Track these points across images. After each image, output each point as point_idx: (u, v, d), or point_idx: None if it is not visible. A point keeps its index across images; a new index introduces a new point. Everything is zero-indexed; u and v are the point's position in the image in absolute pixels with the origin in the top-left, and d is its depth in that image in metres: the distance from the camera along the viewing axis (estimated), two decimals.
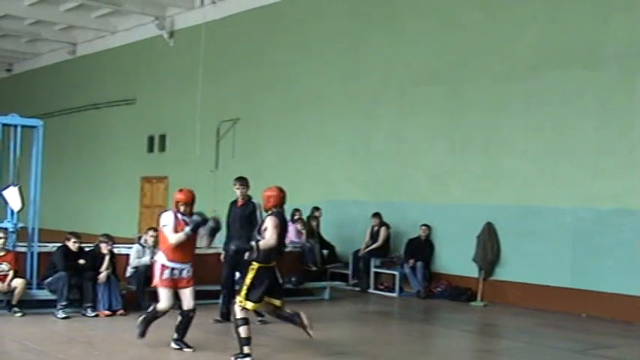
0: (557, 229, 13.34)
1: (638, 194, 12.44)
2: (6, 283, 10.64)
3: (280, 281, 8.39)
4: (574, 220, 13.17)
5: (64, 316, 10.55)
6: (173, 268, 8.62)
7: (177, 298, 8.72)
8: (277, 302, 8.36)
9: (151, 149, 22.84)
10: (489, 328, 12.45)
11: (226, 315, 10.48)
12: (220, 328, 10.23)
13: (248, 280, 8.14)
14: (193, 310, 8.70)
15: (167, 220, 8.69)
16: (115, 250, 11.54)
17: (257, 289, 8.12)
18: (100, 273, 11.02)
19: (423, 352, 9.92)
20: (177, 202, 8.86)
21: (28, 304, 10.83)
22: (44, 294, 10.95)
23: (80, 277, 10.98)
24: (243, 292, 8.11)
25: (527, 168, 13.87)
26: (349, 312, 12.95)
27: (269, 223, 8.22)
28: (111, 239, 11.49)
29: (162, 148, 22.47)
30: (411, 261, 14.78)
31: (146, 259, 11.74)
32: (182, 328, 8.75)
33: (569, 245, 13.17)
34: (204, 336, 9.40)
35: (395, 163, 16.04)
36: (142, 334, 8.80)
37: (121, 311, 11.03)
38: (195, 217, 8.75)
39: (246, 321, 8.10)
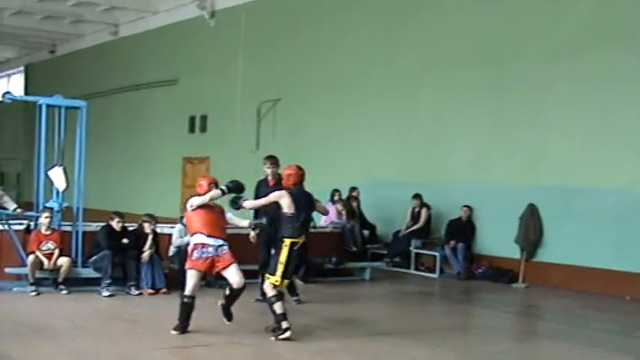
0: (601, 210, 13.16)
1: None
2: (52, 262, 10.84)
3: (305, 258, 8.46)
4: (617, 202, 12.99)
5: (108, 294, 10.74)
6: (204, 245, 8.54)
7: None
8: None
9: (192, 130, 22.99)
10: (531, 309, 12.37)
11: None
12: (261, 307, 10.29)
13: (283, 259, 8.19)
14: (244, 288, 8.61)
15: (192, 200, 8.78)
16: (158, 230, 11.67)
17: (290, 265, 8.20)
18: (143, 252, 11.16)
19: (464, 332, 9.90)
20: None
21: (73, 282, 11.05)
22: (89, 272, 11.16)
23: (124, 255, 11.15)
24: (280, 271, 8.14)
25: (571, 148, 13.69)
26: (389, 292, 12.97)
27: (271, 194, 8.47)
28: (154, 219, 11.62)
29: (204, 129, 22.61)
30: (452, 242, 14.73)
31: (188, 239, 11.88)
32: (230, 297, 8.76)
33: (613, 227, 13.01)
34: (246, 315, 9.48)
35: (436, 144, 15.94)
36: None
37: (164, 290, 11.17)
38: (229, 183, 8.82)
39: (280, 297, 8.18)
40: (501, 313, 11.44)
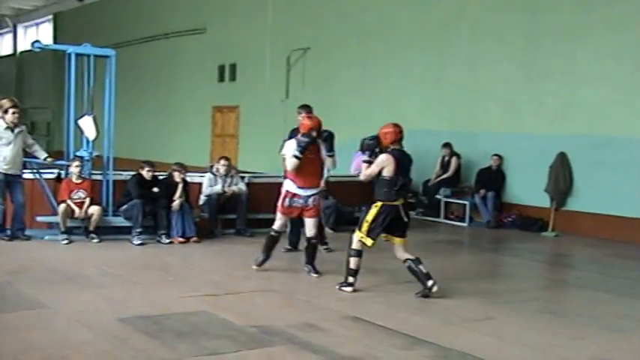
0: (631, 159, 13.04)
1: None
2: (83, 210, 10.97)
3: (405, 220, 8.22)
4: None
5: (139, 242, 10.87)
6: (295, 195, 8.83)
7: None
8: (396, 240, 8.23)
9: (221, 79, 22.96)
10: (560, 258, 12.35)
11: (295, 244, 10.60)
12: (292, 257, 10.40)
13: (370, 217, 8.12)
14: (314, 238, 9.04)
15: (288, 146, 8.97)
16: (188, 179, 11.74)
17: (378, 226, 8.09)
18: (173, 201, 11.25)
19: (493, 280, 9.91)
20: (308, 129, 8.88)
21: (104, 231, 11.18)
22: (120, 221, 11.28)
23: (154, 204, 11.25)
24: (365, 228, 8.10)
25: (601, 98, 13.51)
26: (418, 241, 12.88)
27: (376, 160, 8.22)
28: (184, 168, 11.68)
29: (233, 78, 22.57)
30: (482, 191, 14.68)
31: (218, 188, 11.98)
32: (307, 254, 9.11)
33: None
34: (277, 264, 9.57)
35: (467, 93, 15.79)
36: (263, 262, 9.17)
37: (195, 238, 11.28)
38: (302, 138, 8.82)
39: (359, 254, 8.19)
40: (530, 262, 11.43)
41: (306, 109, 10.46)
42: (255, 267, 9.20)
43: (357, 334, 6.67)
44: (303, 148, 8.70)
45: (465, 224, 14.76)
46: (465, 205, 14.96)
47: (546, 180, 14.01)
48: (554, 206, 13.98)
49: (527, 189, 14.63)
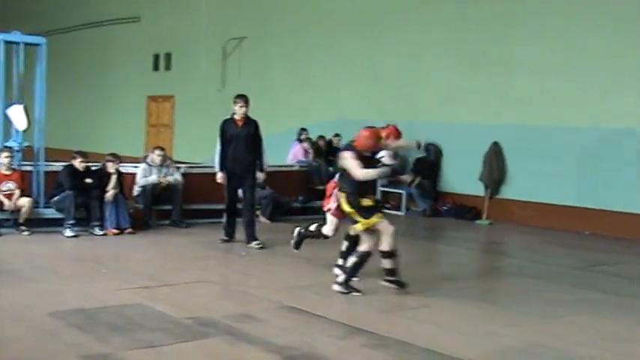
0: (563, 148, 13.33)
1: None
2: (12, 202, 10.68)
3: None
4: (579, 140, 13.15)
5: (71, 234, 10.64)
6: None
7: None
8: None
9: (156, 68, 22.66)
10: (494, 245, 12.53)
11: (231, 234, 10.53)
12: (228, 247, 10.33)
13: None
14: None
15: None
16: (122, 169, 11.55)
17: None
18: (106, 192, 11.04)
19: (429, 269, 10.00)
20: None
21: (35, 223, 10.89)
22: (51, 213, 11.02)
23: (87, 196, 11.01)
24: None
25: (535, 87, 13.76)
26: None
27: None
28: (117, 158, 11.48)
29: (168, 67, 22.30)
30: (418, 180, 14.80)
31: (153, 178, 11.82)
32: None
33: (575, 164, 13.18)
34: (214, 254, 9.47)
35: (403, 83, 15.90)
36: (297, 246, 8.86)
37: (129, 230, 11.10)
38: (394, 162, 8.59)
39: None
40: (465, 250, 11.57)
41: (243, 99, 10.35)
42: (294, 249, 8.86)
43: (295, 324, 6.64)
44: (391, 173, 8.47)
45: (401, 213, 14.87)
46: (401, 194, 15.06)
47: (480, 169, 14.20)
48: (488, 195, 14.20)
49: (462, 178, 14.81)
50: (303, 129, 15.45)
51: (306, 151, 15.05)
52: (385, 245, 7.72)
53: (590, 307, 7.75)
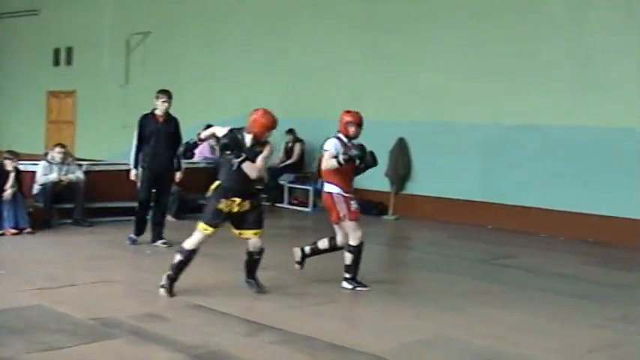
0: (468, 144, 13.60)
1: (543, 111, 12.76)
2: None
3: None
4: (483, 136, 13.44)
5: None
6: (348, 198, 7.96)
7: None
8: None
9: (57, 62, 22.00)
10: (401, 240, 12.69)
11: (141, 232, 10.23)
12: (132, 246, 10.12)
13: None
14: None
15: (329, 145, 8.02)
16: (21, 167, 11.16)
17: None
18: (4, 191, 10.65)
19: (336, 264, 10.00)
20: (345, 124, 8.15)
21: None
22: None
23: None
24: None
25: (439, 84, 13.99)
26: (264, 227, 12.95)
27: None
28: (16, 155, 11.08)
29: (69, 62, 21.68)
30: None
31: (53, 176, 11.48)
32: (350, 265, 8.04)
33: (478, 160, 13.47)
34: (119, 253, 9.26)
35: (310, 78, 15.92)
36: (301, 265, 8.53)
37: (28, 229, 10.72)
38: (353, 151, 7.97)
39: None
40: (372, 245, 11.55)
41: (166, 94, 10.02)
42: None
43: (201, 322, 6.55)
44: (349, 159, 7.91)
45: (308, 209, 14.89)
46: (308, 190, 15.09)
47: (386, 164, 14.35)
48: (394, 190, 14.36)
49: (368, 173, 14.80)
50: (209, 125, 15.28)
51: (212, 148, 14.89)
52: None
53: (494, 299, 7.93)
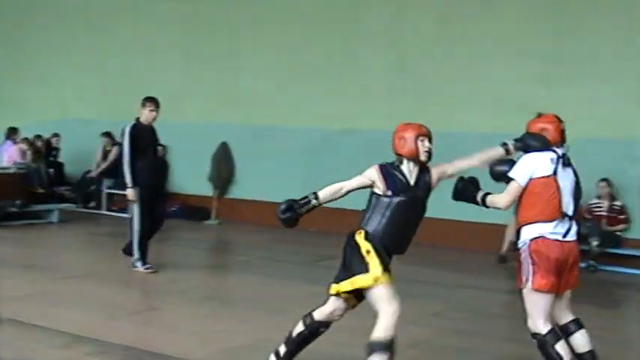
0: (290, 148, 13.70)
1: (362, 115, 13.06)
2: None
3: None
4: (305, 140, 13.60)
5: None
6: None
7: None
8: None
9: None
10: (224, 245, 12.59)
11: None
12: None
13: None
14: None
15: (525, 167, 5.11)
16: None
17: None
18: None
19: (159, 270, 9.77)
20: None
21: None
22: None
23: None
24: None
25: (260, 88, 14.03)
26: (77, 234, 12.47)
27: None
28: None
29: None
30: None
31: None
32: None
33: (300, 164, 13.60)
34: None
35: (131, 81, 15.49)
36: None
37: None
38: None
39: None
40: (195, 250, 11.49)
41: (155, 102, 9.48)
42: None
43: (12, 337, 6.13)
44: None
45: (129, 216, 14.41)
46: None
47: (209, 169, 14.21)
48: (217, 195, 14.24)
49: (191, 178, 14.70)
50: (13, 128, 14.59)
51: (23, 152, 14.15)
52: None
53: (318, 301, 7.94)
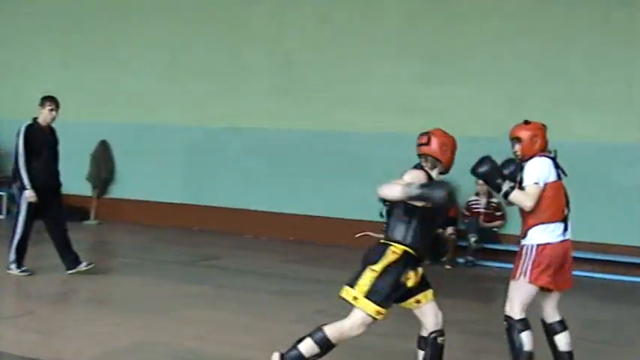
0: (171, 146, 13.58)
1: (245, 114, 13.08)
2: None
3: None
4: (186, 138, 13.51)
5: None
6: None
7: None
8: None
9: None
10: (104, 245, 12.33)
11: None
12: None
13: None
14: None
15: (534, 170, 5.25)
16: None
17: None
18: None
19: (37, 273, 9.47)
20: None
21: None
22: None
23: None
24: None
25: (140, 85, 13.87)
26: None
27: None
28: None
29: None
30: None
31: None
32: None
33: (182, 163, 13.51)
34: None
35: (9, 78, 15.02)
36: None
37: None
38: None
39: None
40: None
41: (55, 101, 8.91)
42: None
43: None
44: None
45: (2, 217, 13.96)
46: (1, 196, 14.17)
47: (88, 168, 13.90)
48: (96, 194, 13.94)
49: (68, 177, 14.26)
50: None
51: None
52: None
53: (199, 301, 7.92)
